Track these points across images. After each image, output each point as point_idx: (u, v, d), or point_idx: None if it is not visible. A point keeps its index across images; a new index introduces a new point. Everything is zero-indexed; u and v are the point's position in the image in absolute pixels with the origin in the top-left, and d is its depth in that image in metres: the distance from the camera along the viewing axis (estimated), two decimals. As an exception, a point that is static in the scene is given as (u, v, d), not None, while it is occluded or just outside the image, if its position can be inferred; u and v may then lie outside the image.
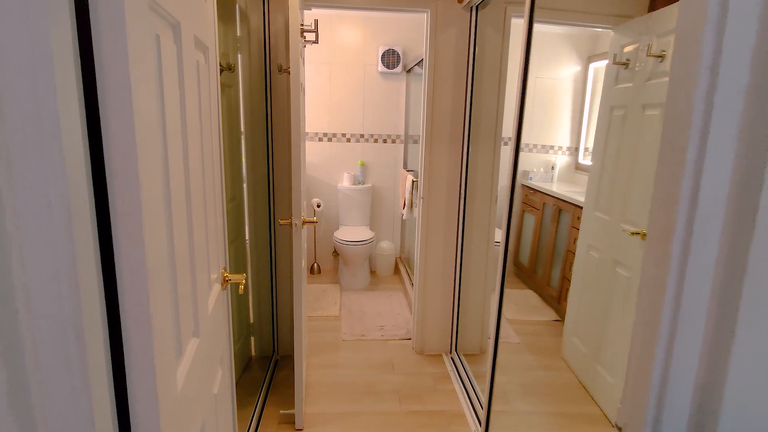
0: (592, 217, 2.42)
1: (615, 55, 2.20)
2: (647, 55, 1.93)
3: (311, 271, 4.00)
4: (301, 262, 1.82)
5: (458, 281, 2.59)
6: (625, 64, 2.16)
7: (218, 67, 1.25)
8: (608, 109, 2.32)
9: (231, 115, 2.16)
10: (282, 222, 1.81)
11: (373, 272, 4.04)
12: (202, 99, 0.96)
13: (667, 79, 1.94)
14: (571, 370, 2.54)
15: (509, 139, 3.91)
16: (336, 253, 4.05)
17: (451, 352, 2.67)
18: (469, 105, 2.37)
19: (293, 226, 1.78)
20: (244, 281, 1.17)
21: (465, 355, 2.64)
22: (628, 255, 2.06)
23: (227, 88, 2.09)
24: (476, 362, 2.60)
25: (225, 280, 1.15)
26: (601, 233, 2.31)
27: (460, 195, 2.49)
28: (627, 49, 2.18)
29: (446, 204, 2.50)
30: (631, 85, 2.12)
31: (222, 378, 1.11)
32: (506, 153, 3.84)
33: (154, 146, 0.62)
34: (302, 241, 1.82)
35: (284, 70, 2.12)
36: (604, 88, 2.39)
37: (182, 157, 0.77)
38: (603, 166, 2.33)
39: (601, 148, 2.36)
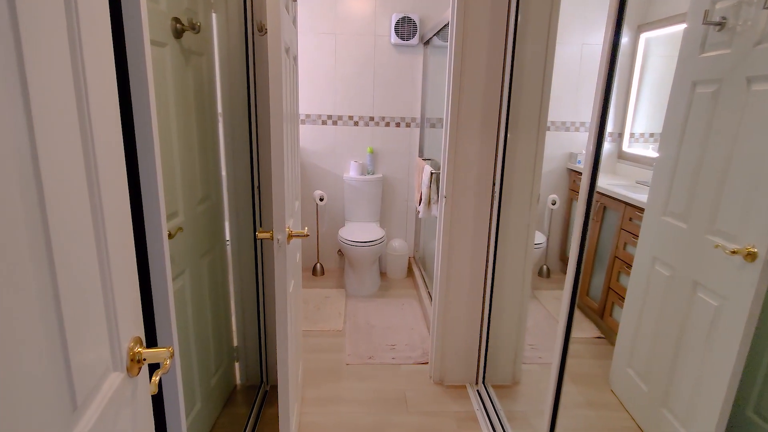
0: (658, 223, 1.92)
1: (706, 12, 1.66)
2: (765, 8, 1.40)
3: (313, 272, 3.55)
4: (286, 288, 1.36)
5: (489, 297, 2.11)
6: (720, 25, 1.63)
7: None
8: (688, 84, 1.79)
9: (203, 91, 1.68)
10: (261, 235, 1.35)
11: (383, 274, 3.58)
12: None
13: (794, 39, 1.42)
14: (625, 407, 2.07)
15: (552, 123, 3.41)
16: (342, 252, 3.59)
17: (477, 384, 2.21)
18: (509, 80, 1.86)
19: (275, 241, 1.31)
20: (169, 359, 0.71)
21: (494, 386, 2.17)
22: (718, 278, 1.56)
23: (196, 56, 1.61)
24: (508, 397, 2.14)
25: (135, 361, 0.69)
26: (674, 245, 1.81)
27: (493, 192, 1.99)
28: (721, 4, 1.64)
29: (475, 203, 2.01)
30: (728, 51, 1.60)
31: None
32: (551, 139, 3.32)
33: None
34: (286, 261, 1.35)
35: (265, 30, 1.63)
36: (681, 58, 1.86)
37: None
38: (678, 158, 1.82)
39: (675, 135, 1.84)
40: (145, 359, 0.70)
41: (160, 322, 0.93)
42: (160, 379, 0.94)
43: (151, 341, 0.94)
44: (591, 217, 1.18)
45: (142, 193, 0.89)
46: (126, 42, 0.84)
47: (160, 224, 0.91)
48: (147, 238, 0.91)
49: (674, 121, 1.86)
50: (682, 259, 1.76)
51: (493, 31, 1.86)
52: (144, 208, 0.90)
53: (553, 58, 1.90)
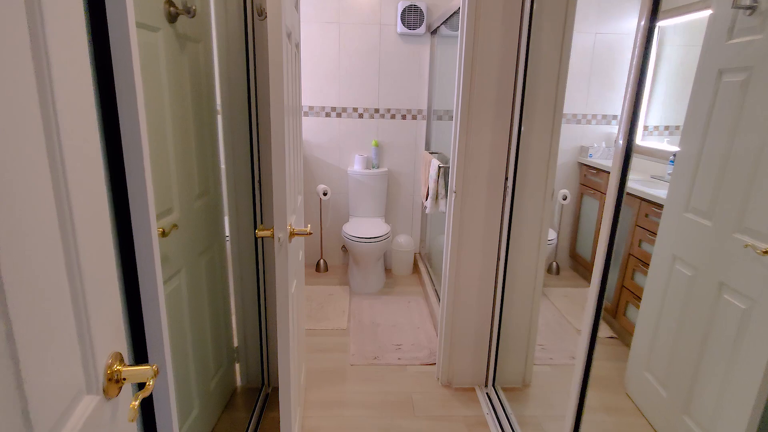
0: (680, 220, 1.82)
1: (736, -5, 1.56)
2: (804, -12, 1.30)
3: (317, 268, 3.47)
4: (288, 289, 1.28)
5: (500, 296, 2.02)
6: (751, 9, 1.52)
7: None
8: (714, 73, 1.69)
9: (200, 80, 1.59)
10: (261, 233, 1.26)
11: (388, 271, 3.49)
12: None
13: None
14: (641, 412, 1.98)
15: (563, 115, 3.30)
16: (346, 248, 3.51)
17: (486, 386, 2.13)
18: (524, 70, 1.76)
19: (276, 240, 1.23)
20: (152, 378, 0.62)
21: (504, 389, 2.09)
22: (747, 279, 1.47)
23: (192, 42, 1.51)
24: (518, 400, 2.06)
25: (113, 381, 0.60)
26: (697, 243, 1.72)
27: (506, 187, 1.90)
28: (752, -14, 1.54)
29: (486, 199, 1.92)
30: (759, 37, 1.49)
31: None
32: (562, 132, 3.22)
33: None
34: (288, 260, 1.27)
35: (266, 14, 1.54)
36: (705, 45, 1.75)
37: None
38: (702, 151, 1.72)
39: (699, 127, 1.74)
40: (125, 379, 0.62)
41: (150, 333, 0.84)
42: (151, 394, 0.86)
43: (141, 353, 0.85)
44: (620, 217, 1.09)
45: (128, 190, 0.81)
46: (108, 23, 0.75)
47: (148, 222, 0.82)
48: (134, 238, 0.83)
49: (698, 111, 1.75)
50: (706, 259, 1.66)
51: (506, 19, 1.75)
52: (131, 205, 0.82)
53: (570, 46, 1.80)
